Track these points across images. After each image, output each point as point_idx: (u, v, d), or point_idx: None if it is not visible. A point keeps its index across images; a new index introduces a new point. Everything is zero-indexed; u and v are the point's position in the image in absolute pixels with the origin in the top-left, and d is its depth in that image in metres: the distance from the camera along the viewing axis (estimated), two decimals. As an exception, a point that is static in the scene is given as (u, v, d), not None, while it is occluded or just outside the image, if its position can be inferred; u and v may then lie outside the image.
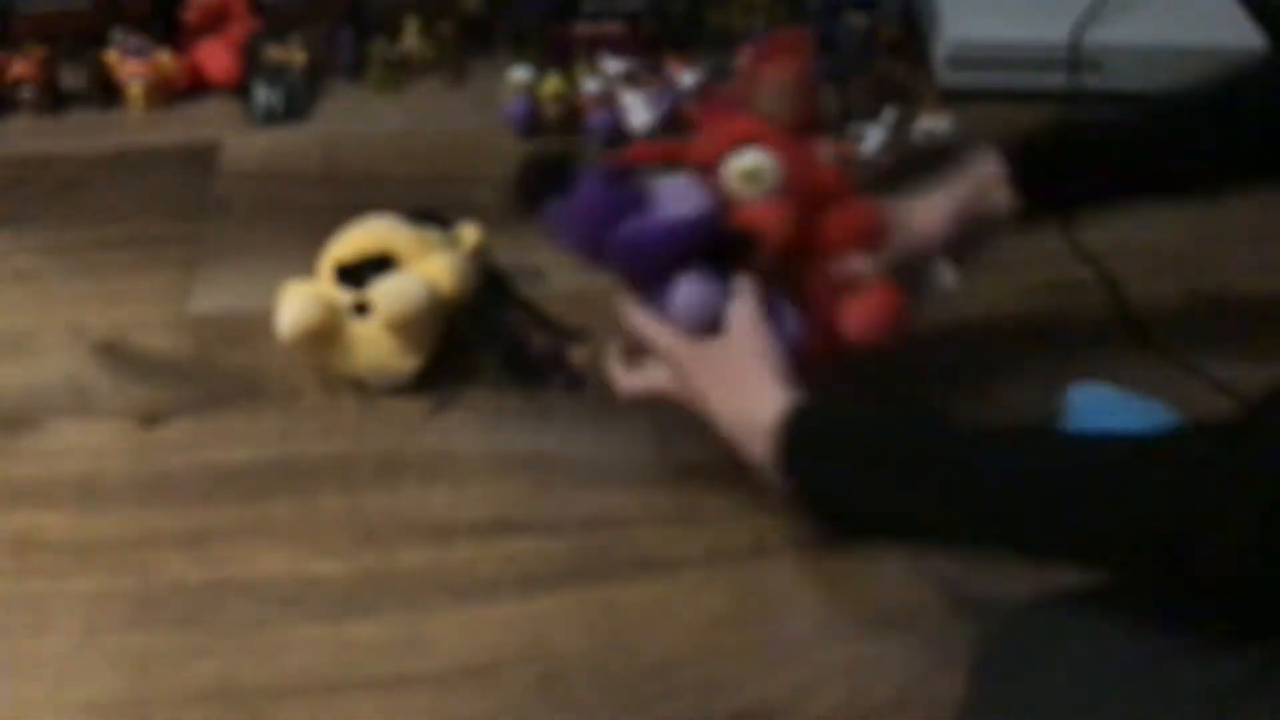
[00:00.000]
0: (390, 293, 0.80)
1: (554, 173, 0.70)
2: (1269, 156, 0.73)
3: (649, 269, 0.71)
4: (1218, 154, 0.74)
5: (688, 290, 0.70)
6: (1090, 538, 0.56)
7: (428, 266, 0.82)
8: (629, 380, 0.74)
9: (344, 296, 0.82)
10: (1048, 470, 0.57)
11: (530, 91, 1.06)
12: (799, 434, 0.66)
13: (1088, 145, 0.77)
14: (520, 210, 0.72)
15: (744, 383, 0.69)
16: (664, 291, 0.70)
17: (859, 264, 0.72)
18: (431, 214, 0.88)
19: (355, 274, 0.82)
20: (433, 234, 0.85)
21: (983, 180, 0.75)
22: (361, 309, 0.81)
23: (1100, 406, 0.76)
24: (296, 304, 0.80)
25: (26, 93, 1.08)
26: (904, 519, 0.65)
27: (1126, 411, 0.75)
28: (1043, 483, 0.57)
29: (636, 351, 0.74)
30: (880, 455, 0.63)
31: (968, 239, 0.76)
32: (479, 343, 0.85)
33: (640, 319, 0.72)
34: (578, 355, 0.85)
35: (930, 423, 0.63)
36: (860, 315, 0.72)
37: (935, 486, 0.60)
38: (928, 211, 0.75)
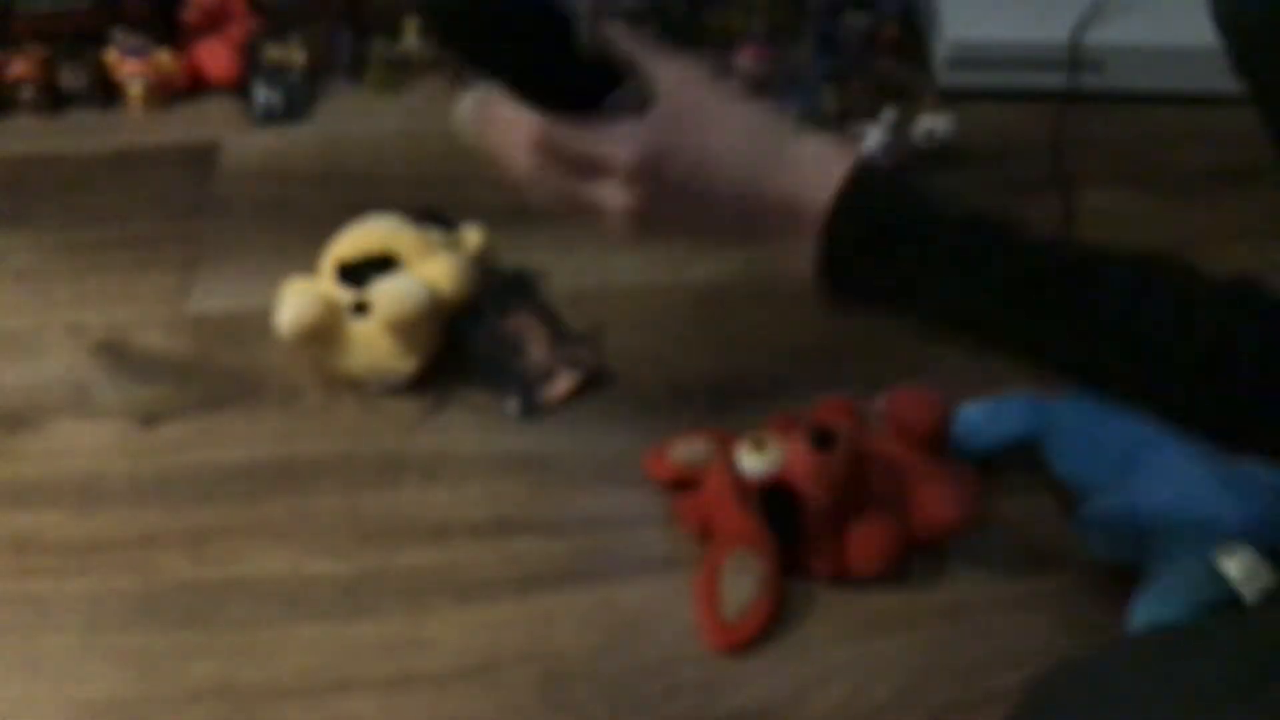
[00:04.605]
0: (390, 293, 0.80)
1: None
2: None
3: None
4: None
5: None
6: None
7: (429, 268, 0.82)
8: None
9: (344, 295, 0.82)
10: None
11: (530, 91, 1.06)
12: (873, 200, 0.54)
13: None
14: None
15: (777, 133, 0.57)
16: None
17: None
18: (436, 215, 0.88)
19: (356, 273, 0.82)
20: (436, 235, 0.85)
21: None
22: (361, 309, 0.81)
23: None
24: (296, 302, 0.80)
25: (26, 93, 1.07)
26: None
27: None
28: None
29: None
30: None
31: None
32: (473, 345, 0.85)
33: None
34: (584, 360, 0.84)
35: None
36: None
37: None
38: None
